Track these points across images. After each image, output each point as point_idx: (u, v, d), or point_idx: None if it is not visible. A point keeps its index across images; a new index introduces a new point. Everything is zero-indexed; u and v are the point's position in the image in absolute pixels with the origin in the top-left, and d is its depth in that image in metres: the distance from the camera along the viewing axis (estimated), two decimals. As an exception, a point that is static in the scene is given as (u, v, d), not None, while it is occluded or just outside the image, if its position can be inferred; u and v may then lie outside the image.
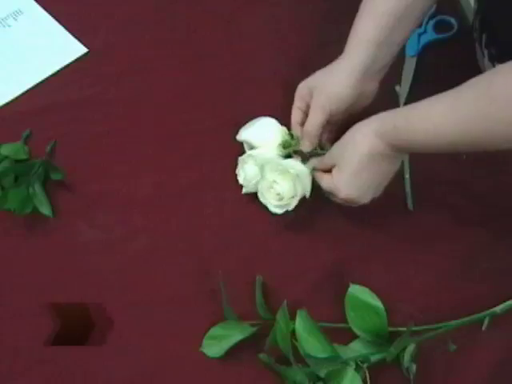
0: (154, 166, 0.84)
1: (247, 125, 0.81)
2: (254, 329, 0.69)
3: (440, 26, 0.96)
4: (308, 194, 0.76)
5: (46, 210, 0.78)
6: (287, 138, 0.78)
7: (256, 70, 0.92)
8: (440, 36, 0.95)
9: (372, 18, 0.74)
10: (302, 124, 0.78)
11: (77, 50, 0.94)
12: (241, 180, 0.79)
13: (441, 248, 0.76)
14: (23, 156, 0.83)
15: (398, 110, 0.69)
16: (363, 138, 0.68)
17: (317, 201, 0.79)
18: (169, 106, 0.89)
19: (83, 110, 0.89)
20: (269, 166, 0.75)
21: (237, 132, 0.80)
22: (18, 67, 0.93)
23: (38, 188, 0.78)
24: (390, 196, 0.79)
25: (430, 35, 0.95)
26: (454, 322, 0.68)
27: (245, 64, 0.93)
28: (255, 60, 0.93)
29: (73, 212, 0.80)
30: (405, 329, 0.65)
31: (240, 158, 0.80)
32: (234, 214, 0.80)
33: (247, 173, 0.78)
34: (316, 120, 0.75)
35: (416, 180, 0.81)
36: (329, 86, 0.75)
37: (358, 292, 0.69)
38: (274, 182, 0.74)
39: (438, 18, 0.96)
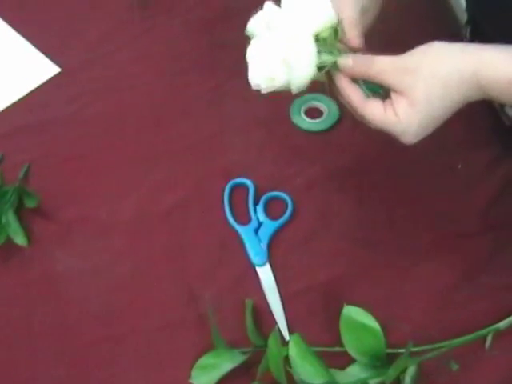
0: (134, 187, 0.82)
1: None
2: (246, 356, 0.67)
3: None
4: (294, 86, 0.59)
5: (20, 239, 0.76)
6: (329, 31, 0.58)
7: (238, 83, 0.90)
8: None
9: None
10: None
11: (49, 69, 0.93)
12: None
13: (439, 264, 0.75)
14: (-5, 182, 0.81)
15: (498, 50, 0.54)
16: (461, 84, 0.53)
17: (309, 219, 0.78)
18: (147, 124, 0.88)
19: (57, 132, 0.87)
20: None
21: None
22: (-11, 89, 0.92)
23: (11, 216, 0.77)
24: (386, 212, 0.79)
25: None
26: (455, 341, 0.66)
27: (226, 77, 0.91)
28: (237, 72, 0.91)
29: (50, 240, 0.78)
30: (404, 349, 0.63)
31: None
32: (220, 235, 0.78)
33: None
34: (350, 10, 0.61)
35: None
36: None
37: (352, 313, 0.67)
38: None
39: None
